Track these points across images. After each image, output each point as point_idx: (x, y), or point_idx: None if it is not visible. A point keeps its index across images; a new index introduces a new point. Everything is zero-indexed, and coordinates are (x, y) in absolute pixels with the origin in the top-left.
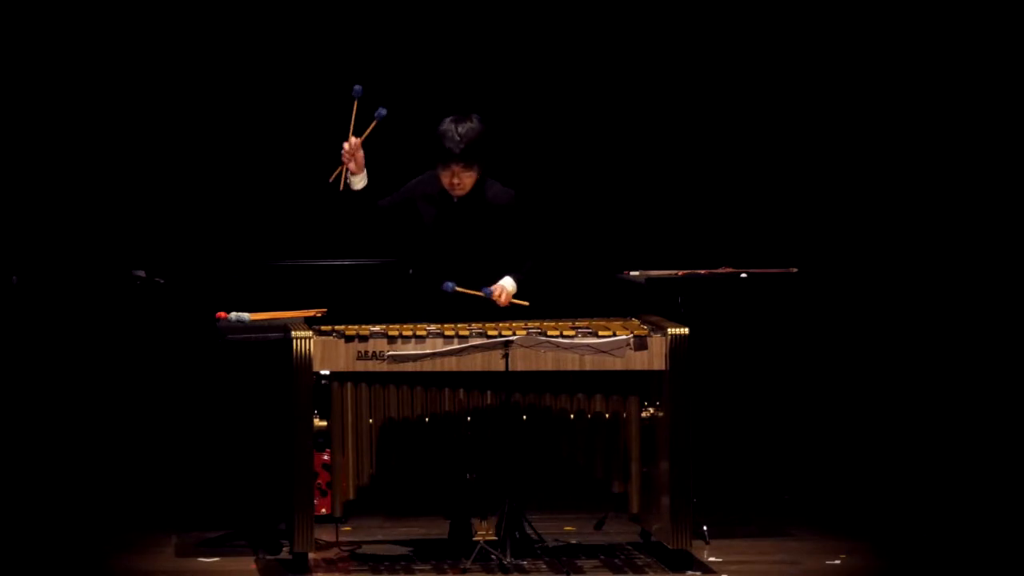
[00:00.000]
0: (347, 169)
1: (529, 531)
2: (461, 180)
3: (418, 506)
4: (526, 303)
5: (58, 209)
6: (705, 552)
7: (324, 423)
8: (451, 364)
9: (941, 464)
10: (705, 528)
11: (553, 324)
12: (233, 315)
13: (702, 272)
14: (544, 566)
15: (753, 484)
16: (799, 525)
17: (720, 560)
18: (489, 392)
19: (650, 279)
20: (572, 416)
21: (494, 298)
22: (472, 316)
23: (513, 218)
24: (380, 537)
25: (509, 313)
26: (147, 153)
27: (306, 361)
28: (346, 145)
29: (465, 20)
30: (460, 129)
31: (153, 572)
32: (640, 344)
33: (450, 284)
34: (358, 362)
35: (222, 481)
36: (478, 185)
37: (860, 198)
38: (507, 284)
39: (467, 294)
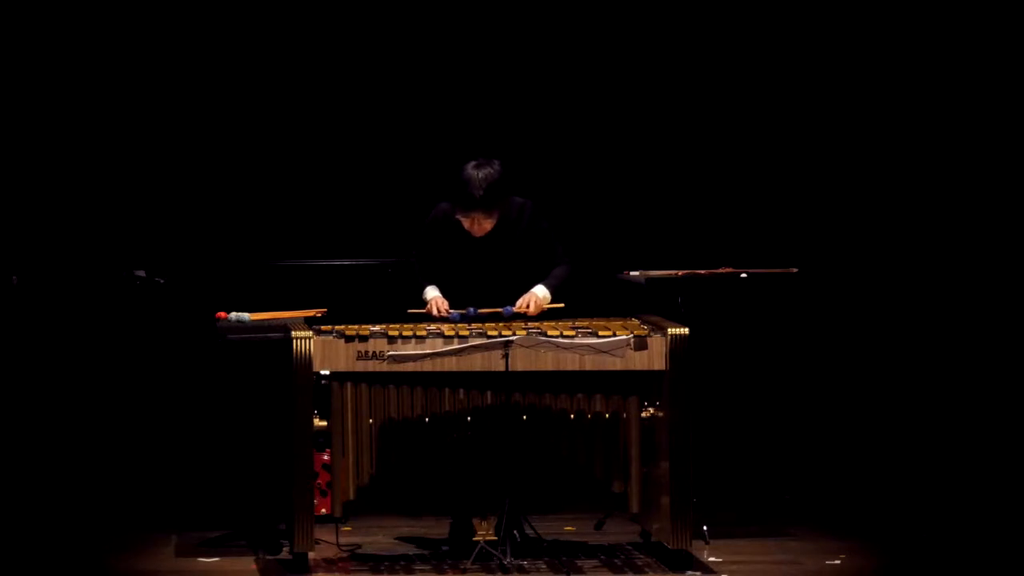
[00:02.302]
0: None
1: (529, 531)
2: (481, 225)
3: (418, 506)
4: (561, 304)
5: (58, 209)
6: (705, 552)
7: (324, 423)
8: (451, 364)
9: (941, 464)
10: (705, 528)
11: (553, 324)
12: (233, 315)
13: (702, 272)
14: (544, 566)
15: (753, 484)
16: (799, 525)
17: (720, 560)
18: (489, 392)
19: (650, 279)
20: (572, 416)
21: (521, 311)
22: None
23: (537, 229)
24: (380, 537)
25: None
26: (147, 153)
27: (306, 361)
28: (435, 311)
29: (464, 22)
30: (481, 175)
31: (153, 572)
32: (640, 344)
33: (472, 309)
34: (358, 362)
35: (222, 481)
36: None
37: (860, 198)
38: (538, 291)
39: (489, 314)
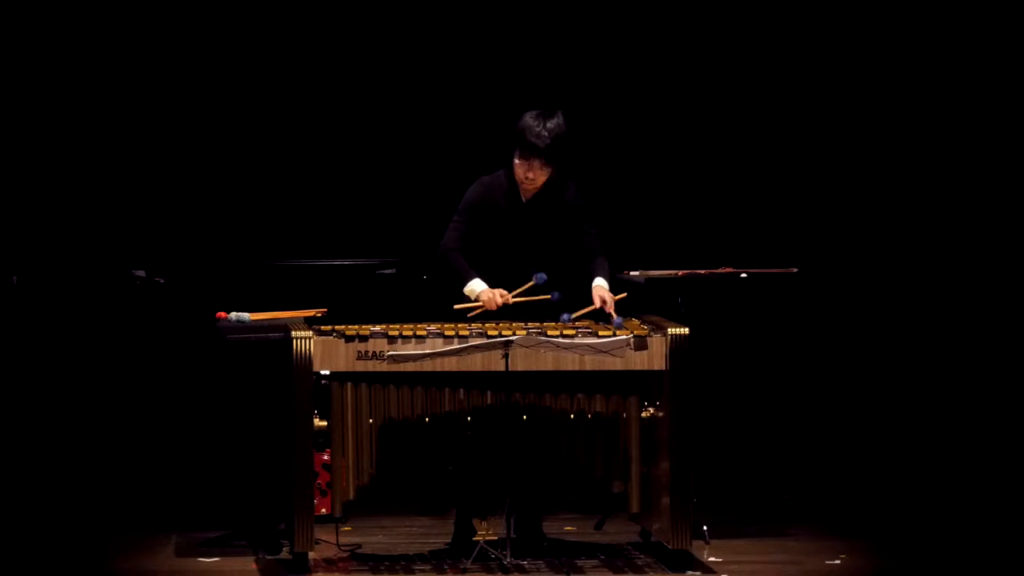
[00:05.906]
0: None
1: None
2: (536, 176)
3: (418, 506)
4: (623, 294)
5: (58, 209)
6: (705, 552)
7: (324, 423)
8: (451, 364)
9: (941, 464)
10: (705, 528)
11: (553, 324)
12: (233, 315)
13: (702, 272)
14: (544, 566)
15: (753, 484)
16: (799, 525)
17: (720, 560)
18: (489, 392)
19: (650, 279)
20: (572, 416)
21: (607, 309)
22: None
23: (578, 210)
24: (380, 537)
25: (510, 313)
26: (147, 153)
27: (306, 361)
28: (499, 300)
29: (461, 23)
30: (548, 124)
31: (153, 572)
32: (640, 344)
33: (556, 295)
34: (358, 362)
35: (222, 481)
36: (546, 182)
37: (860, 198)
38: (605, 286)
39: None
